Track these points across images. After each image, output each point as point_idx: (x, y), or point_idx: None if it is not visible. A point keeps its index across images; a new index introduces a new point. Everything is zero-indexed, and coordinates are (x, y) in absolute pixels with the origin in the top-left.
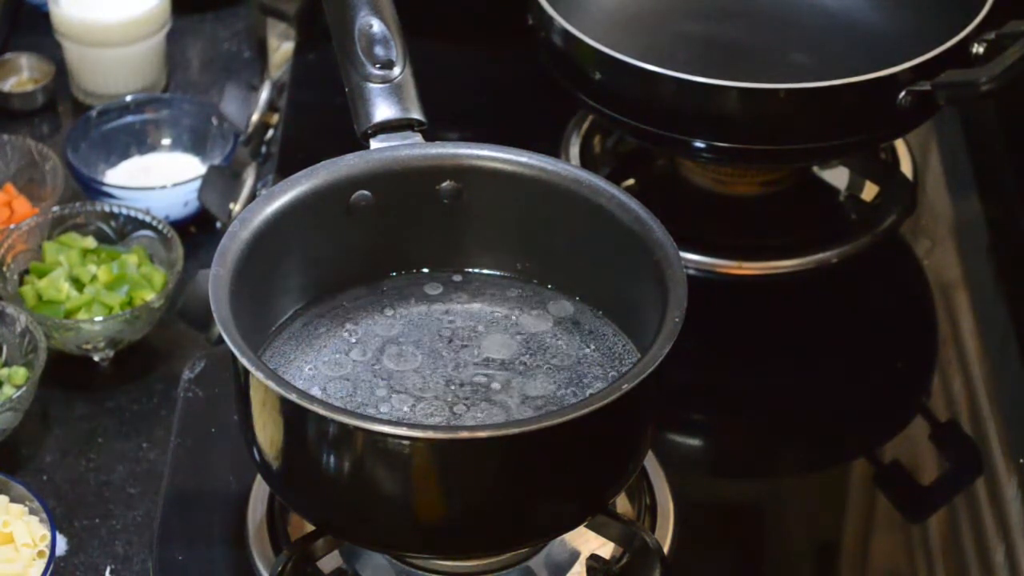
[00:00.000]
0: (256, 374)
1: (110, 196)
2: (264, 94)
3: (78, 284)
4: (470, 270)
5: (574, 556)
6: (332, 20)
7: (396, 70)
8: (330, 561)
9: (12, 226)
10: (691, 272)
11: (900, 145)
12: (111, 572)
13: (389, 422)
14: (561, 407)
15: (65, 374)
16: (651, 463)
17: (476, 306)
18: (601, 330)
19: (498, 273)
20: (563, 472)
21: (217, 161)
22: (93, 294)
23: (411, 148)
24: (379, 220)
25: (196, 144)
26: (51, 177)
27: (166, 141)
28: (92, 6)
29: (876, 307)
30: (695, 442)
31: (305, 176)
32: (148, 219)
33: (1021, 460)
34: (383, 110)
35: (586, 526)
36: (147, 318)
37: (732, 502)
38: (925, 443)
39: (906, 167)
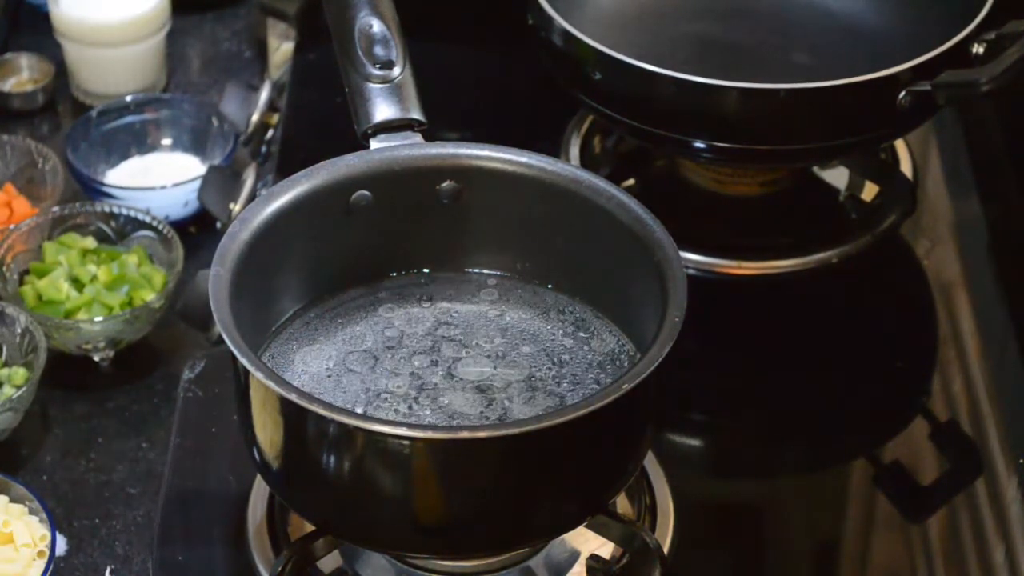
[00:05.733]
0: (256, 374)
1: (110, 196)
2: (264, 94)
3: (78, 284)
4: (470, 270)
5: (574, 556)
6: (332, 20)
7: (396, 70)
8: (330, 561)
9: (12, 226)
10: (691, 272)
11: (900, 145)
12: (111, 572)
13: (389, 422)
14: (561, 407)
15: (65, 374)
16: (651, 463)
17: (476, 306)
18: (601, 330)
19: (498, 273)
20: (563, 472)
21: (217, 161)
22: (93, 294)
23: (411, 148)
24: (379, 220)
25: (196, 144)
26: (51, 177)
27: (166, 141)
28: (92, 6)
29: (876, 307)
30: (695, 442)
31: (305, 176)
32: (148, 219)
33: (1021, 460)
34: (383, 110)
35: (586, 526)
36: (147, 318)
37: (732, 502)
38: (925, 443)
39: (906, 167)
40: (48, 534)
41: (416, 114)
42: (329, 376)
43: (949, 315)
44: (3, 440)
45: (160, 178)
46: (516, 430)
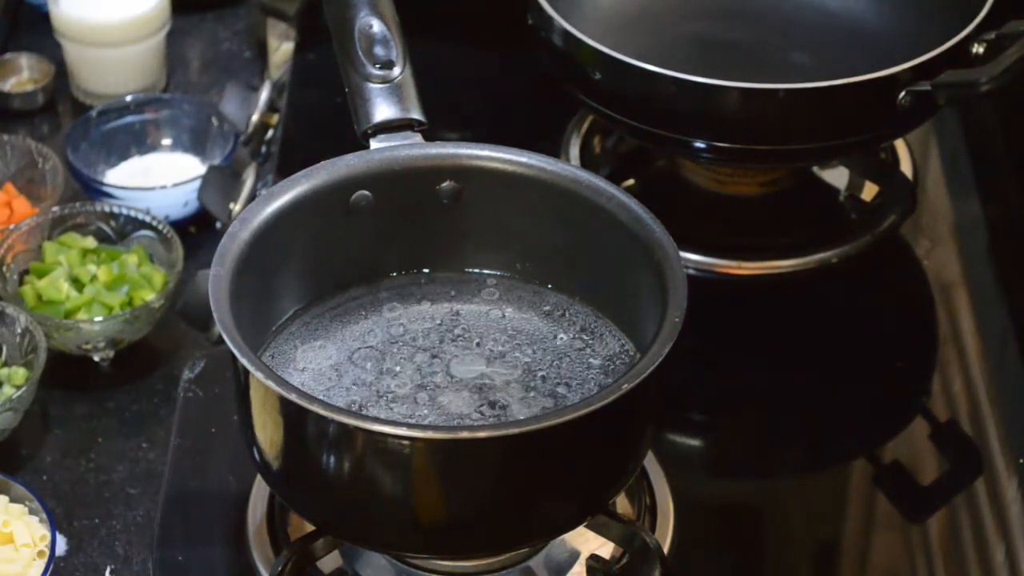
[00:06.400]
0: (256, 374)
1: (110, 196)
2: (264, 94)
3: (78, 284)
4: (470, 270)
5: (574, 556)
6: (332, 20)
7: (396, 70)
8: (330, 561)
9: (12, 226)
10: (691, 272)
11: (900, 145)
12: (111, 572)
13: (389, 422)
14: (561, 407)
15: (65, 374)
16: (651, 463)
17: (476, 306)
18: (601, 330)
19: (498, 273)
20: (563, 472)
21: (217, 161)
22: (93, 294)
23: (411, 148)
24: (379, 220)
25: (196, 144)
26: (51, 177)
27: (166, 141)
28: (92, 6)
29: (876, 307)
30: (695, 442)
31: (305, 176)
32: (148, 219)
33: (1021, 460)
34: (383, 110)
35: (586, 526)
36: (147, 318)
37: (732, 502)
38: (925, 443)
39: (906, 167)
40: (48, 534)
41: (416, 114)
42: (329, 376)
43: (949, 315)
44: (3, 440)
45: (160, 178)
46: (516, 430)
